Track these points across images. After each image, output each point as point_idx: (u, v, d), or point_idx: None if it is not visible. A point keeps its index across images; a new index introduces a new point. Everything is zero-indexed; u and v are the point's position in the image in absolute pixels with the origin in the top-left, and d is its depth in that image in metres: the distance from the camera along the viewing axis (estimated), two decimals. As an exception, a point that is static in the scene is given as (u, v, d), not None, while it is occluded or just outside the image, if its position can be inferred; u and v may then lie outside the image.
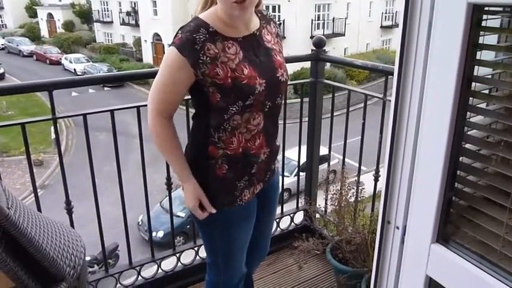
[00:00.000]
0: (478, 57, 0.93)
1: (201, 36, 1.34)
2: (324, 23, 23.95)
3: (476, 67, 0.94)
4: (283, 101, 1.58)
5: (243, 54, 1.40)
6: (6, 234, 1.05)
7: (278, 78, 1.46)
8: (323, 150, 2.79)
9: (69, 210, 2.03)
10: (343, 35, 24.59)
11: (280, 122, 1.79)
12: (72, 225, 2.03)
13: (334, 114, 2.50)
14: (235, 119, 1.41)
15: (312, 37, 22.39)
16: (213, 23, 1.38)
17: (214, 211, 1.50)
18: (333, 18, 24.15)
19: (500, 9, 0.93)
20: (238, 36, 1.41)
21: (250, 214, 1.61)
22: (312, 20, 23.35)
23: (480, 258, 0.95)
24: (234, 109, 1.39)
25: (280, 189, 1.84)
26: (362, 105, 2.32)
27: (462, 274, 0.97)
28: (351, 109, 2.51)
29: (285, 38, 19.57)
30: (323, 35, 22.73)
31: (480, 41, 0.92)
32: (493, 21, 0.93)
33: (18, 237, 1.05)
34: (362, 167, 2.58)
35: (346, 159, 2.56)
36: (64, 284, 1.15)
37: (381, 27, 27.66)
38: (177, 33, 1.39)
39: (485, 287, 0.91)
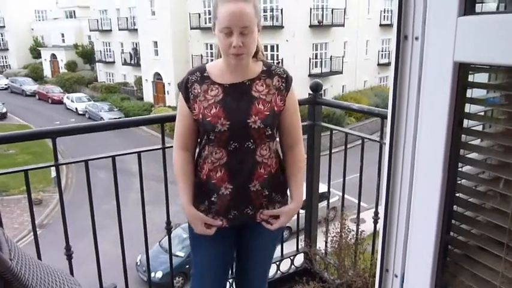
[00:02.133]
0: (467, 110, 0.98)
1: (193, 78, 1.67)
2: (321, 61, 24.42)
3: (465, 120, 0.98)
4: (262, 147, 1.64)
5: (222, 98, 1.63)
6: (7, 286, 1.06)
7: (248, 124, 1.60)
8: (323, 187, 2.81)
9: (69, 256, 2.02)
10: (341, 72, 25.04)
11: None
12: (71, 271, 2.02)
13: (333, 151, 2.54)
14: (205, 149, 1.68)
15: (310, 75, 22.82)
16: (211, 69, 1.68)
17: (219, 223, 1.71)
18: (331, 56, 24.66)
19: (486, 67, 0.97)
20: (226, 82, 1.65)
21: (209, 237, 1.72)
22: (310, 59, 23.83)
23: (478, 308, 0.95)
24: (204, 141, 1.69)
25: (270, 241, 1.90)
26: (360, 141, 2.37)
27: (460, 324, 0.97)
28: (350, 146, 2.55)
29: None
30: (321, 73, 23.38)
31: (468, 95, 0.97)
32: (480, 76, 0.98)
33: (19, 289, 1.06)
34: (363, 204, 2.59)
35: (347, 196, 2.58)
36: (63, 335, 1.15)
37: (378, 64, 28.20)
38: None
39: (484, 338, 0.91)
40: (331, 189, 2.69)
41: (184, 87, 1.67)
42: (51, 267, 1.33)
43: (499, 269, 0.91)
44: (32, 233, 1.95)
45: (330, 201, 2.73)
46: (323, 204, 2.85)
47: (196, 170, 1.73)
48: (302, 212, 2.87)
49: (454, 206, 1.02)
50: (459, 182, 1.01)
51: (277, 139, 1.76)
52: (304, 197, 2.75)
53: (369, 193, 2.52)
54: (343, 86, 25.77)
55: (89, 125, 2.02)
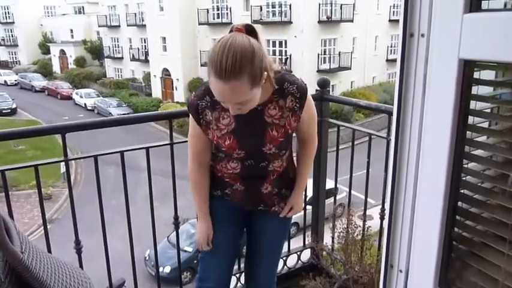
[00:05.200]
0: (472, 106, 0.98)
1: (203, 104, 1.58)
2: (330, 57, 24.32)
3: (470, 117, 0.98)
4: (275, 161, 1.66)
5: (235, 127, 1.57)
6: (18, 278, 1.08)
7: (263, 151, 1.60)
8: (330, 184, 2.82)
9: (79, 250, 2.05)
10: (350, 68, 24.91)
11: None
12: (81, 265, 2.05)
13: (341, 147, 2.55)
14: (222, 157, 1.68)
15: (318, 71, 22.73)
16: None
17: (210, 247, 1.78)
18: (339, 52, 24.53)
19: (492, 64, 0.97)
20: None
21: (222, 215, 1.79)
22: (318, 55, 23.74)
23: (481, 303, 0.96)
24: (222, 154, 1.67)
25: (279, 226, 1.91)
26: (367, 138, 2.37)
27: (464, 320, 0.98)
28: (358, 142, 2.56)
29: (291, 72, 19.86)
30: (329, 69, 23.28)
31: (474, 91, 0.97)
32: (485, 74, 0.99)
33: (31, 281, 1.08)
34: (371, 200, 2.60)
35: (355, 193, 2.59)
36: (73, 327, 1.17)
37: (387, 60, 28.00)
38: (192, 94, 1.65)
39: (487, 333, 0.92)
40: (338, 186, 2.70)
41: (195, 111, 1.60)
42: (61, 260, 1.35)
43: (502, 264, 0.92)
44: (42, 228, 1.98)
45: (338, 197, 2.74)
46: (330, 200, 2.86)
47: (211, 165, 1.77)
48: (309, 207, 2.88)
49: (459, 202, 1.03)
50: (464, 178, 1.02)
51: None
52: (311, 193, 2.79)
53: (377, 190, 2.52)
54: (351, 82, 25.64)
55: (97, 121, 2.04)
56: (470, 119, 0.99)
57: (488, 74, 1.01)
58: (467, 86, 0.95)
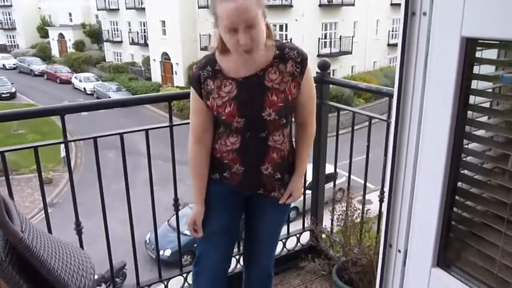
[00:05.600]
0: (473, 86, 0.97)
1: (205, 73, 1.60)
2: (331, 41, 24.14)
3: (472, 97, 0.98)
4: (275, 134, 1.65)
5: (236, 94, 1.59)
6: (19, 258, 1.09)
7: (262, 117, 1.59)
8: (330, 169, 2.82)
9: (79, 231, 2.07)
10: (350, 53, 24.75)
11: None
12: (81, 245, 2.06)
13: (341, 132, 2.54)
14: (222, 133, 1.67)
15: (319, 55, 22.59)
16: (222, 62, 1.61)
17: (200, 235, 1.79)
18: (340, 36, 24.35)
19: (495, 42, 0.96)
20: (239, 77, 1.59)
21: (220, 199, 1.78)
22: (319, 39, 23.56)
23: (478, 282, 0.97)
24: (221, 128, 1.67)
25: (278, 212, 1.90)
26: (367, 123, 2.36)
27: (461, 298, 0.99)
28: (358, 127, 2.55)
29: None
30: (330, 53, 23.14)
31: (476, 71, 0.96)
32: (488, 53, 0.98)
33: (31, 260, 1.09)
34: (370, 185, 2.60)
35: (355, 178, 2.59)
36: (74, 305, 1.18)
37: (388, 45, 27.80)
38: (193, 67, 1.66)
39: (484, 311, 0.93)
40: (338, 171, 2.70)
41: (197, 82, 1.62)
42: (61, 240, 1.36)
43: (500, 243, 0.92)
44: (43, 211, 1.99)
45: (338, 182, 2.74)
46: (330, 185, 2.86)
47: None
48: (308, 192, 2.89)
49: (459, 183, 1.03)
50: (464, 159, 1.02)
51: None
52: (311, 178, 2.79)
53: (377, 175, 2.53)
54: (352, 67, 25.50)
55: (96, 102, 2.04)
56: (472, 99, 0.98)
57: (490, 54, 1.01)
58: (469, 65, 0.94)
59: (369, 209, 2.46)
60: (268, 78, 1.58)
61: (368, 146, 2.40)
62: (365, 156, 2.47)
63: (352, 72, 25.34)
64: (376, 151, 2.44)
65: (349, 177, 2.58)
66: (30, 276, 1.13)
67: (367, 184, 2.59)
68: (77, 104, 2.00)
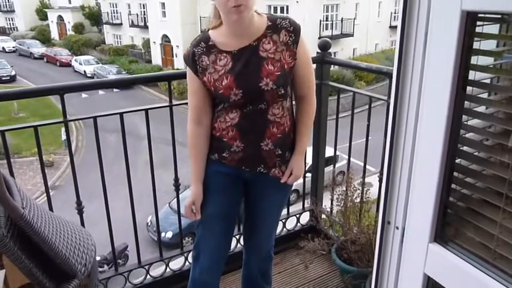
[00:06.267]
0: (473, 62, 0.97)
1: (199, 50, 1.62)
2: (332, 23, 23.92)
3: (472, 72, 0.97)
4: (275, 106, 1.63)
5: (232, 66, 1.59)
6: (20, 234, 1.10)
7: (260, 87, 1.59)
8: (330, 152, 2.82)
9: (80, 210, 2.08)
10: (352, 35, 24.54)
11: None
12: (82, 225, 2.08)
13: (341, 115, 2.53)
14: (221, 111, 1.67)
15: (320, 38, 22.38)
16: (215, 37, 1.62)
17: (198, 217, 1.78)
18: (342, 18, 24.12)
19: (495, 16, 0.95)
20: (234, 49, 1.60)
21: (219, 183, 1.77)
22: (320, 21, 23.33)
23: (475, 257, 0.97)
24: (220, 106, 1.67)
25: (279, 192, 1.89)
26: (367, 106, 2.35)
27: (458, 272, 1.00)
28: (359, 110, 2.54)
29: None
30: (331, 35, 22.96)
31: (476, 46, 0.95)
32: (488, 27, 0.97)
33: (32, 236, 1.10)
34: (371, 168, 2.60)
35: (355, 161, 2.59)
36: (76, 281, 1.20)
37: (390, 27, 27.53)
38: (189, 46, 1.67)
39: (480, 284, 0.94)
40: (338, 153, 2.70)
41: (192, 60, 1.63)
42: (63, 218, 1.37)
43: (498, 219, 0.93)
44: (44, 194, 2.00)
45: (338, 165, 2.75)
46: (330, 168, 2.87)
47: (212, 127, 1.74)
48: (308, 175, 2.90)
49: (457, 160, 1.03)
50: (464, 135, 1.02)
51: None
52: (311, 161, 2.79)
53: (378, 159, 2.52)
54: (353, 49, 25.31)
55: (96, 81, 2.03)
56: (471, 75, 0.98)
57: (491, 30, 1.00)
58: (469, 40, 0.93)
59: (369, 189, 2.47)
60: (263, 48, 1.59)
61: (368, 126, 2.39)
62: (364, 139, 2.46)
63: (353, 54, 25.15)
64: (375, 135, 2.43)
65: (349, 156, 2.59)
66: (32, 253, 1.14)
67: (368, 167, 2.59)
68: (76, 83, 2.00)
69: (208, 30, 1.66)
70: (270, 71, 1.58)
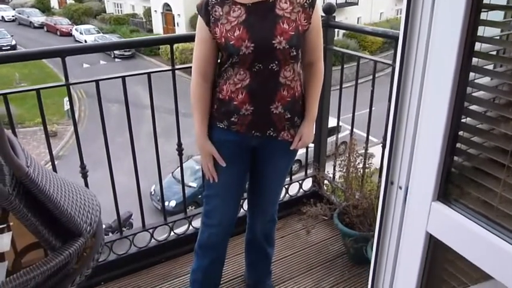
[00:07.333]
0: (480, 33, 0.95)
1: (213, 0, 1.59)
2: (336, -9, 23.47)
3: (481, 27, 0.95)
4: (286, 68, 1.61)
5: (245, 18, 1.57)
6: (26, 192, 1.11)
7: (273, 45, 1.56)
8: (333, 122, 2.80)
9: (84, 174, 2.10)
10: (356, 4, 24.14)
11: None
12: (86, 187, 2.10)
13: (344, 86, 2.51)
14: (228, 71, 1.64)
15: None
16: None
17: (224, 164, 1.75)
18: (346, -14, 23.67)
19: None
20: (249, 2, 1.57)
21: (227, 152, 1.76)
22: (325, -12, 22.89)
23: (478, 214, 0.98)
24: (227, 64, 1.64)
25: (285, 157, 1.90)
26: (371, 77, 2.33)
27: (460, 230, 1.01)
28: (362, 80, 2.51)
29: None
30: (336, 3, 22.48)
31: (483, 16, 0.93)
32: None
33: (38, 194, 1.10)
34: (374, 139, 2.59)
35: (358, 131, 2.59)
36: (82, 239, 1.21)
37: (396, -5, 27.02)
38: None
39: (482, 241, 0.95)
40: (342, 124, 2.68)
41: (205, 9, 1.60)
42: (67, 179, 1.38)
43: (502, 176, 0.93)
44: (49, 163, 2.02)
45: (340, 135, 2.73)
46: (333, 139, 2.86)
47: (215, 91, 1.71)
48: (311, 145, 2.88)
49: (464, 118, 1.02)
50: (471, 94, 1.00)
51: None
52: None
53: (380, 129, 2.51)
54: (358, 18, 24.91)
55: (97, 45, 2.00)
56: (480, 31, 0.96)
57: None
58: (476, 10, 0.91)
59: (372, 156, 2.47)
60: (280, 6, 1.57)
61: (372, 91, 2.37)
62: (368, 110, 2.43)
63: (358, 23, 24.75)
64: (379, 105, 2.41)
65: (352, 123, 2.58)
66: (38, 211, 1.16)
67: (371, 138, 2.58)
68: (77, 45, 1.98)
69: None
70: (284, 29, 1.56)
